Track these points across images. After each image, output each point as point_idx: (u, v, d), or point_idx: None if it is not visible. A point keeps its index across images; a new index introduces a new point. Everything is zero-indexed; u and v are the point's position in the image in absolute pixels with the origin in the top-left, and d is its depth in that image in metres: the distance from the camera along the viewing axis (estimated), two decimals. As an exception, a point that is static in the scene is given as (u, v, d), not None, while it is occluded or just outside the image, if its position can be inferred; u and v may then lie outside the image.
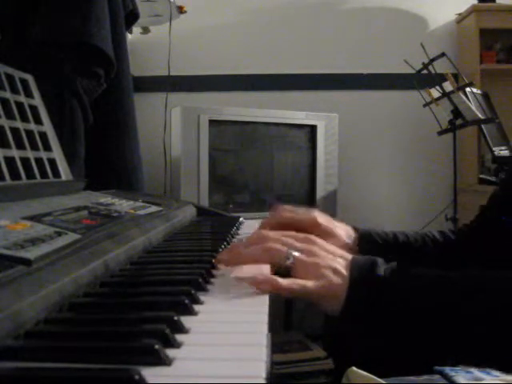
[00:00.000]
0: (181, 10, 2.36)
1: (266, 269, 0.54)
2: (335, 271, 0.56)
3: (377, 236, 0.85)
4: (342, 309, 0.54)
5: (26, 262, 0.42)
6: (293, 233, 0.62)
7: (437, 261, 0.87)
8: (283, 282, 0.53)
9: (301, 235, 0.61)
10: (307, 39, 2.89)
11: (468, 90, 2.32)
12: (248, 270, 0.53)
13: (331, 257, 0.58)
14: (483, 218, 0.91)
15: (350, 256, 0.59)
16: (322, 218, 0.80)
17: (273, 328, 0.41)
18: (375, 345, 0.56)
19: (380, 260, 0.58)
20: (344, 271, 0.56)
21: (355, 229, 0.84)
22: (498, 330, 0.52)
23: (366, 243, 0.83)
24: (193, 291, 0.47)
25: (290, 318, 2.42)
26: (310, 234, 0.78)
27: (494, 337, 0.52)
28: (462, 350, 0.54)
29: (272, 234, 0.60)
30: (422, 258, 0.86)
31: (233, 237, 0.80)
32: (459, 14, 2.85)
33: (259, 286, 0.52)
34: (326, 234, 0.78)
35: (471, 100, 2.30)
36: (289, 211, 0.80)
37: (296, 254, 0.56)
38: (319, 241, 0.60)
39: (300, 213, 0.81)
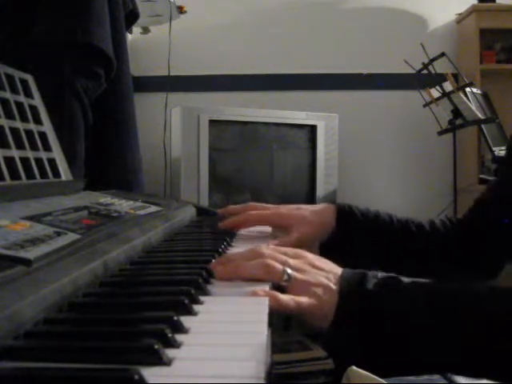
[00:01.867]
0: (181, 10, 2.37)
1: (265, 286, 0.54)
2: (325, 288, 0.56)
3: (357, 210, 0.84)
4: (331, 325, 0.54)
5: (26, 262, 0.42)
6: (284, 248, 0.62)
7: (418, 248, 0.86)
8: (283, 297, 0.53)
9: (291, 250, 0.61)
10: (307, 39, 2.89)
11: (468, 90, 2.32)
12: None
13: (321, 273, 0.58)
14: (478, 214, 0.90)
15: (339, 270, 0.59)
16: (285, 209, 0.82)
17: (273, 328, 0.41)
18: (375, 346, 0.56)
19: (370, 273, 0.58)
20: (334, 287, 0.56)
21: (334, 205, 0.84)
22: (496, 348, 0.52)
23: (345, 218, 0.83)
24: (193, 291, 0.47)
25: (289, 318, 2.42)
26: (282, 227, 0.81)
27: (493, 354, 0.52)
28: (458, 367, 0.55)
29: (267, 249, 0.60)
30: (403, 243, 0.85)
31: (232, 237, 0.80)
32: (459, 14, 2.86)
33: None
34: (297, 222, 0.80)
35: (471, 100, 2.30)
36: (259, 207, 0.84)
37: (290, 271, 0.56)
38: (309, 256, 0.61)
39: (266, 209, 0.83)
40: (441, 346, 0.53)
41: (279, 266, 0.56)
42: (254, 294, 0.50)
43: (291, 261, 0.58)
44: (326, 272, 0.58)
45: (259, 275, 0.55)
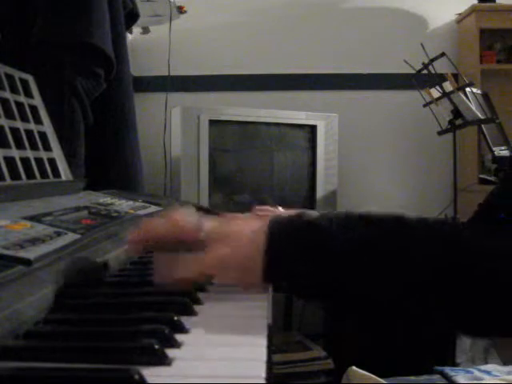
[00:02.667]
0: (181, 9, 2.36)
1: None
2: (251, 235, 0.52)
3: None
4: (265, 258, 0.50)
5: (26, 262, 0.42)
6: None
7: None
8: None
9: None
10: (307, 39, 2.89)
11: (468, 90, 2.32)
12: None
13: (245, 224, 0.54)
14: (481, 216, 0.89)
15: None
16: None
17: (273, 328, 0.41)
18: (374, 344, 0.55)
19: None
20: (260, 235, 0.51)
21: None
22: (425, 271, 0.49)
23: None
24: (193, 291, 0.47)
25: (289, 318, 2.42)
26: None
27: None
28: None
29: (181, 211, 0.56)
30: None
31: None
32: (459, 14, 2.86)
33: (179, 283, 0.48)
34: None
35: (471, 100, 2.30)
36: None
37: (208, 224, 0.53)
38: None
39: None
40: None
41: (193, 221, 0.53)
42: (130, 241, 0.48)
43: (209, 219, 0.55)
44: (251, 222, 0.55)
45: (171, 232, 0.52)
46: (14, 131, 0.72)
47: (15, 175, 0.68)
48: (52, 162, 0.80)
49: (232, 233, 0.52)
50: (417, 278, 0.49)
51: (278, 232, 0.51)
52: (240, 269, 0.50)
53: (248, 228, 0.53)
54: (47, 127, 0.83)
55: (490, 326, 0.51)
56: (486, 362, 2.01)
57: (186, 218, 0.56)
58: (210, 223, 0.53)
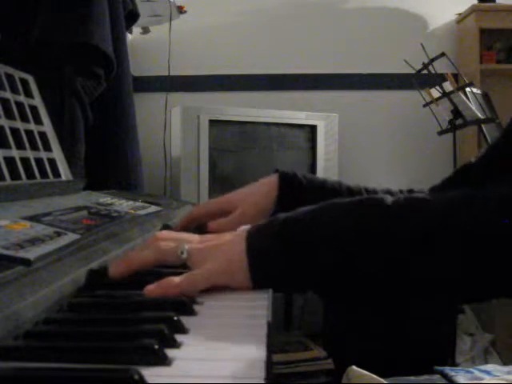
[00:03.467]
0: (181, 9, 2.36)
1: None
2: (229, 243, 0.52)
3: (301, 176, 0.79)
4: (248, 268, 0.50)
5: (26, 262, 0.42)
6: (210, 236, 0.58)
7: None
8: (175, 279, 0.48)
9: (214, 236, 0.57)
10: (307, 39, 2.89)
11: (468, 90, 2.32)
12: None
13: (226, 236, 0.54)
14: (461, 176, 0.85)
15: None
16: (228, 197, 0.80)
17: (273, 328, 0.41)
18: (374, 345, 0.55)
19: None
20: (237, 238, 0.52)
21: (279, 172, 0.80)
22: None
23: (288, 184, 0.78)
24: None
25: (289, 318, 2.42)
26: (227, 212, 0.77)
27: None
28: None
29: (163, 233, 0.56)
30: None
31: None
32: (459, 14, 2.86)
33: (153, 294, 0.48)
34: (238, 203, 0.77)
35: (471, 100, 2.30)
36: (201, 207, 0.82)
37: (187, 246, 0.52)
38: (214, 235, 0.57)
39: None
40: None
41: (172, 244, 0.53)
42: (148, 291, 0.47)
43: (191, 237, 0.55)
44: (232, 234, 0.54)
45: (152, 258, 0.52)
46: (14, 131, 0.72)
47: (15, 175, 0.68)
48: (52, 162, 0.80)
49: (213, 246, 0.53)
50: (401, 253, 0.49)
51: (257, 232, 0.52)
52: (229, 276, 0.51)
53: (227, 237, 0.53)
54: (47, 127, 0.83)
55: (483, 284, 0.50)
56: (486, 362, 2.02)
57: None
58: (190, 244, 0.53)
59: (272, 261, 0.50)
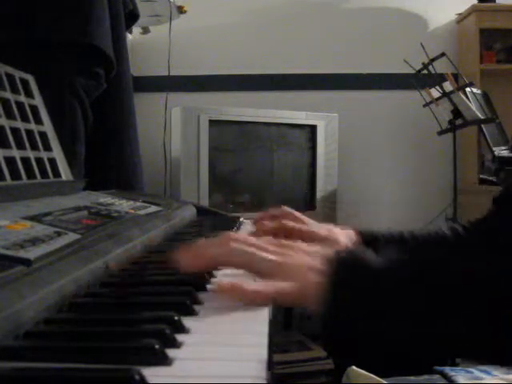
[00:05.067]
0: (181, 9, 2.36)
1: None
2: (309, 268, 0.50)
3: (380, 235, 0.82)
4: (323, 304, 0.49)
5: (26, 262, 0.42)
6: (267, 237, 0.56)
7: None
8: (252, 288, 0.46)
9: (274, 240, 0.55)
10: (307, 39, 2.89)
11: (468, 90, 2.32)
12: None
13: (305, 255, 0.53)
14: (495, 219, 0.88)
15: (324, 251, 0.54)
16: (323, 231, 0.77)
17: (273, 328, 0.41)
18: (375, 345, 0.55)
19: (358, 248, 0.55)
20: (319, 266, 0.50)
21: (356, 231, 0.82)
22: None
23: (368, 243, 0.80)
24: (193, 291, 0.47)
25: (289, 318, 2.42)
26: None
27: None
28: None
29: (242, 235, 0.55)
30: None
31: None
32: (459, 14, 2.86)
33: (225, 294, 0.46)
34: (329, 243, 0.76)
35: (471, 100, 2.30)
36: (292, 218, 0.78)
37: (267, 255, 0.51)
38: (294, 243, 0.55)
39: (304, 222, 0.78)
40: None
41: (250, 249, 0.51)
42: (220, 289, 0.46)
43: (270, 246, 0.52)
44: (312, 253, 0.53)
45: (230, 260, 0.51)
46: (15, 131, 0.72)
47: (15, 175, 0.68)
48: (52, 161, 0.80)
49: (293, 266, 0.51)
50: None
51: (341, 271, 0.51)
52: (299, 301, 0.50)
53: (310, 263, 0.51)
54: (47, 127, 0.83)
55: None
56: (486, 362, 2.01)
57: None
58: (267, 253, 0.51)
59: (346, 313, 0.50)
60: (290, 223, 0.77)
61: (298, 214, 0.81)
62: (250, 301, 0.46)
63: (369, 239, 0.81)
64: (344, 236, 0.79)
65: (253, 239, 0.53)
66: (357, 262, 0.52)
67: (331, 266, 0.50)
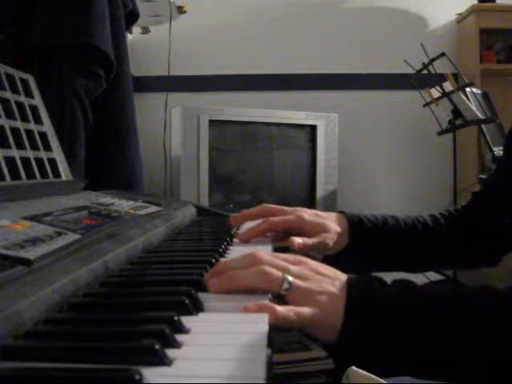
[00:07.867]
0: (181, 9, 2.36)
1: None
2: (331, 296, 0.52)
3: (367, 221, 0.85)
4: (339, 336, 0.51)
5: (26, 262, 0.42)
6: (284, 255, 0.57)
7: (426, 245, 0.88)
8: (281, 310, 0.47)
9: (292, 257, 0.56)
10: (307, 39, 2.89)
11: (468, 90, 2.32)
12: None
13: (326, 280, 0.53)
14: (477, 208, 0.94)
15: (344, 276, 0.55)
16: (307, 215, 0.80)
17: (273, 328, 0.41)
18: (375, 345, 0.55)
19: (376, 278, 0.55)
20: (340, 294, 0.52)
21: (344, 215, 0.85)
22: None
23: (357, 230, 0.84)
24: (193, 291, 0.47)
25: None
26: (299, 232, 0.79)
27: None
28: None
29: (265, 255, 0.55)
30: (411, 242, 0.87)
31: (233, 237, 0.80)
32: (459, 14, 2.86)
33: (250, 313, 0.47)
34: (317, 230, 0.79)
35: (471, 100, 2.30)
36: (276, 211, 0.81)
37: (291, 279, 0.51)
38: (312, 262, 0.56)
39: (286, 213, 0.81)
40: (454, 347, 0.50)
41: (278, 274, 0.51)
42: (247, 310, 0.45)
43: (292, 267, 0.53)
44: (331, 279, 0.54)
45: (257, 284, 0.51)
46: (15, 131, 0.72)
47: (15, 175, 0.68)
48: (52, 161, 0.80)
49: (315, 292, 0.52)
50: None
51: (358, 309, 0.52)
52: (313, 330, 0.51)
53: (330, 289, 0.53)
54: (47, 127, 0.83)
55: None
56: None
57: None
58: (293, 278, 0.52)
59: (364, 339, 0.51)
60: (277, 218, 0.79)
61: (275, 207, 0.83)
62: (276, 320, 0.46)
63: (355, 221, 0.84)
64: (332, 221, 0.82)
65: (278, 260, 0.54)
66: (395, 301, 0.53)
67: (352, 298, 0.52)
